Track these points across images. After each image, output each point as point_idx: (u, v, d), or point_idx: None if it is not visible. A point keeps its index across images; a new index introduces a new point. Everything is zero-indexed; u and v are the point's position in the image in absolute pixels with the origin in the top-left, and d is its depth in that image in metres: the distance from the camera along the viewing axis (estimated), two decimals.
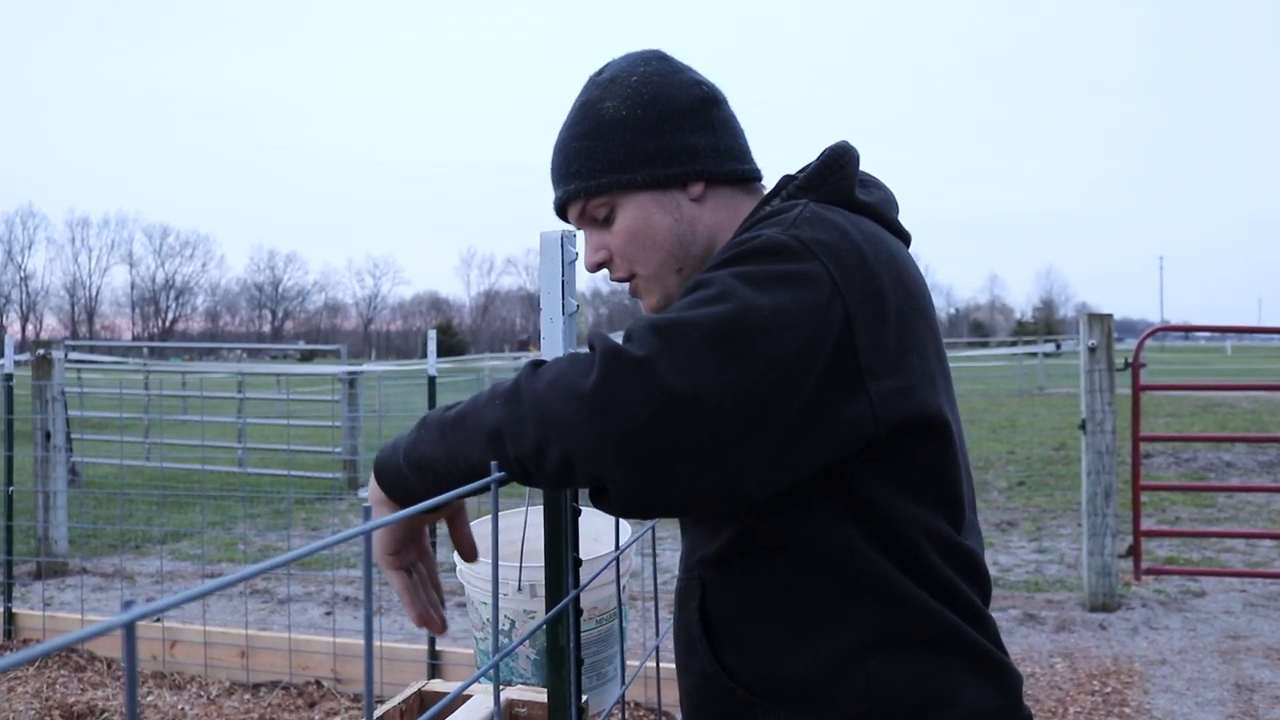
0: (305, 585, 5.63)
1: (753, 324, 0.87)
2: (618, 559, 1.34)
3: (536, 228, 1.10)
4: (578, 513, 1.09)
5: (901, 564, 0.98)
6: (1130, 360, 4.85)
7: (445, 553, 4.83)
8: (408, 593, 1.05)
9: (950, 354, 1.25)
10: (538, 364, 0.93)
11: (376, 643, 3.70)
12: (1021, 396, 19.17)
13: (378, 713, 1.37)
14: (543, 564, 1.07)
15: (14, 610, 4.47)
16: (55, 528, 5.82)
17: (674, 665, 1.16)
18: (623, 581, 1.46)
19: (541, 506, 1.08)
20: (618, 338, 0.90)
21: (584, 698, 1.11)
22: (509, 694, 1.44)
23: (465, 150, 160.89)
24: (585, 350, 0.92)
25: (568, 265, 1.09)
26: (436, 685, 1.53)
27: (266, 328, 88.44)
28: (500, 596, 1.62)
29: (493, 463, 0.87)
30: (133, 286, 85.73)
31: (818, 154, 1.10)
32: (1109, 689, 3.79)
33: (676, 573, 1.18)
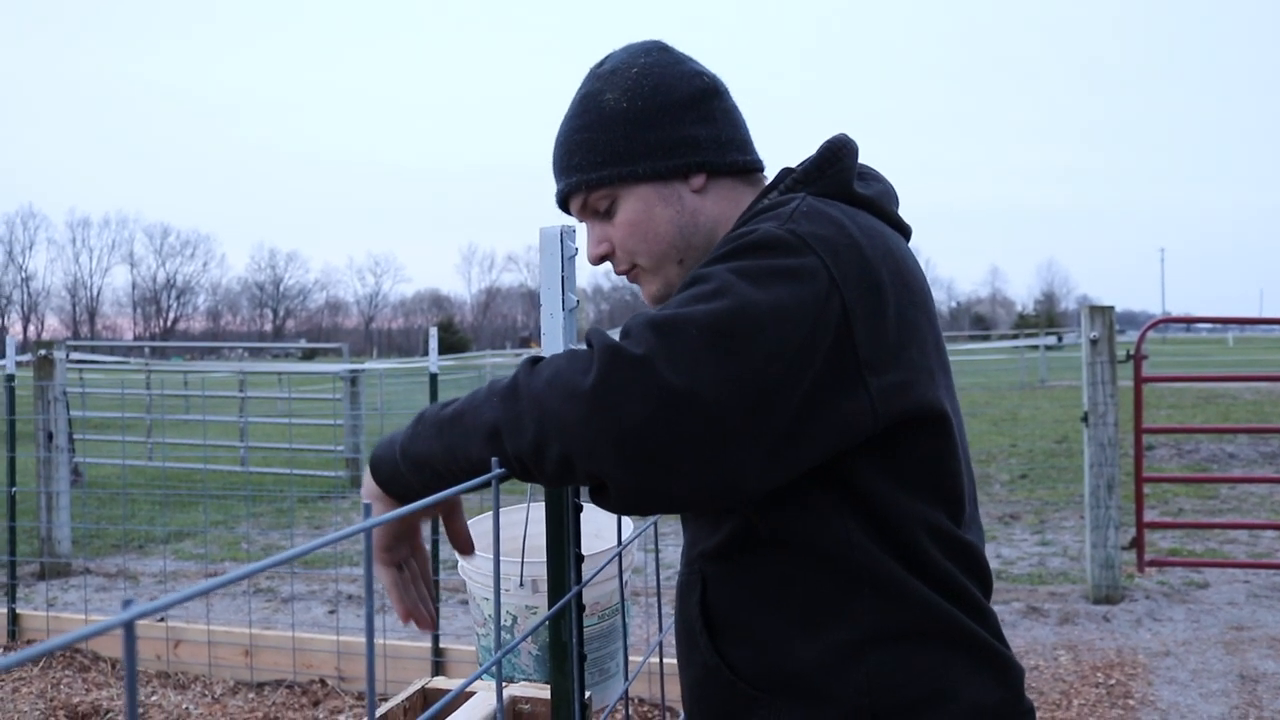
0: (309, 584, 5.64)
1: (750, 320, 0.87)
2: (620, 554, 1.34)
3: (537, 224, 1.10)
4: (580, 509, 1.09)
5: (901, 558, 0.98)
6: (1132, 352, 4.85)
7: (450, 549, 4.83)
8: (395, 589, 1.05)
9: (951, 347, 1.25)
10: (535, 361, 0.93)
11: (380, 641, 3.70)
12: (1023, 389, 19.15)
13: (381, 710, 1.37)
14: (544, 559, 1.07)
15: (18, 611, 4.48)
16: (58, 528, 5.83)
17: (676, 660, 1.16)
18: (625, 577, 1.46)
19: (543, 502, 1.08)
20: (616, 334, 0.90)
21: (587, 693, 1.11)
22: (512, 690, 1.44)
23: (466, 147, 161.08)
24: (583, 347, 0.92)
25: (568, 261, 1.09)
26: (440, 683, 1.53)
27: (268, 327, 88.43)
28: (502, 592, 1.62)
29: (494, 459, 0.87)
30: (134, 286, 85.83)
31: (816, 147, 1.10)
32: (1113, 681, 3.80)
33: (678, 568, 1.18)
